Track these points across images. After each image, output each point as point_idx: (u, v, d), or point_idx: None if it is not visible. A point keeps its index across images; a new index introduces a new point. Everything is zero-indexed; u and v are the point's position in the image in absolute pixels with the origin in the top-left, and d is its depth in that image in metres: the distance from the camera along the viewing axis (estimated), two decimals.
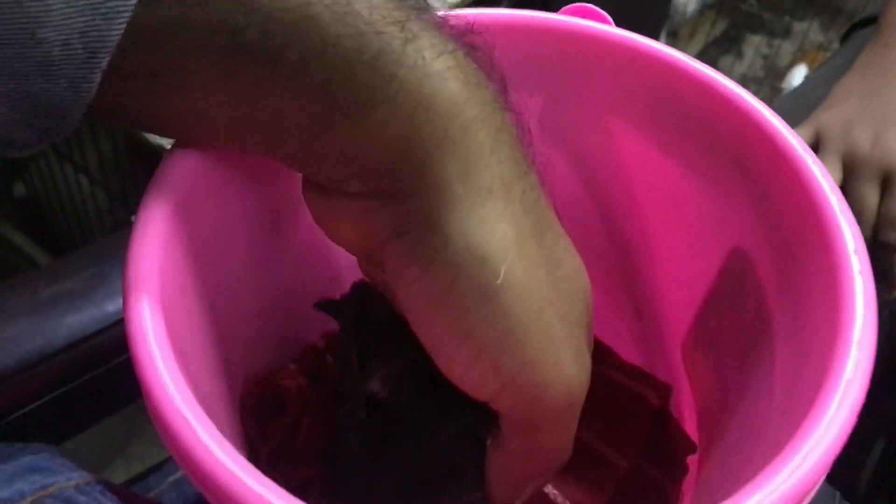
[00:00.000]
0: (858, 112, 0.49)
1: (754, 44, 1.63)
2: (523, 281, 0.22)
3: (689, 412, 0.33)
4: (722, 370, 0.29)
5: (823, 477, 0.19)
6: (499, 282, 0.21)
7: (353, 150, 0.21)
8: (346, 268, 0.36)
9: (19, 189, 1.08)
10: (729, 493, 0.23)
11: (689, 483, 0.31)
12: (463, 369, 0.22)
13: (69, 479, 0.24)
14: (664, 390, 0.33)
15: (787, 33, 1.66)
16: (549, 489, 0.33)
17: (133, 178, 0.91)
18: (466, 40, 0.22)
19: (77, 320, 0.34)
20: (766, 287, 0.27)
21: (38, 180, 1.03)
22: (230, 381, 0.28)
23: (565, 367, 0.23)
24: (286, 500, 0.17)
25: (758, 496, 0.18)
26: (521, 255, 0.22)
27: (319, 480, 0.29)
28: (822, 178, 0.24)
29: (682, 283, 0.32)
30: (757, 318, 0.27)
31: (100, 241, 0.42)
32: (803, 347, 0.23)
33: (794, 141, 0.26)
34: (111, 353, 0.35)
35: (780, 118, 0.27)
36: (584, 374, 0.24)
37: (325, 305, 0.31)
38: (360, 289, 0.31)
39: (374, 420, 0.27)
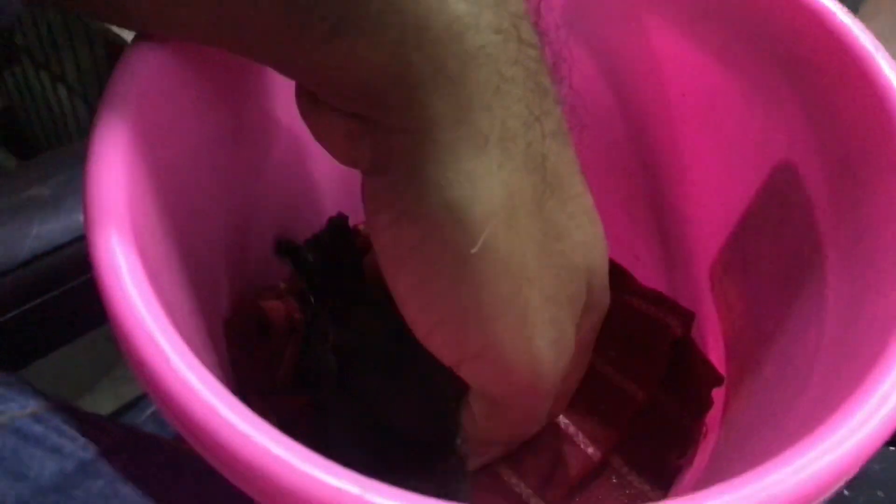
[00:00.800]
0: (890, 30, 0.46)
1: None
2: (505, 253, 0.18)
3: (714, 342, 0.30)
4: (756, 298, 0.27)
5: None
6: (474, 251, 0.18)
7: (330, 70, 0.18)
8: (334, 181, 0.33)
9: None
10: (769, 439, 0.20)
11: (713, 417, 0.29)
12: (425, 332, 0.20)
13: (24, 406, 0.21)
14: (687, 317, 0.31)
15: None
16: (560, 418, 0.31)
17: None
18: None
19: (45, 230, 0.31)
20: (817, 208, 0.24)
21: (15, 90, 0.98)
22: (213, 305, 0.25)
23: (537, 353, 0.20)
24: (269, 434, 0.15)
25: (815, 452, 0.15)
26: (510, 222, 0.18)
27: (313, 409, 0.27)
28: None
29: (714, 200, 0.29)
30: (803, 242, 0.24)
31: (72, 146, 0.38)
32: (866, 277, 0.20)
33: (864, 37, 0.22)
34: (82, 266, 0.32)
35: (846, 10, 0.23)
36: (561, 361, 0.21)
37: (286, 249, 0.28)
38: (335, 226, 0.29)
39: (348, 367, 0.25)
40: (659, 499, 0.29)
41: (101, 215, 0.17)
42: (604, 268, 0.22)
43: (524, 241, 0.19)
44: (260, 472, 0.14)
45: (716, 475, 0.24)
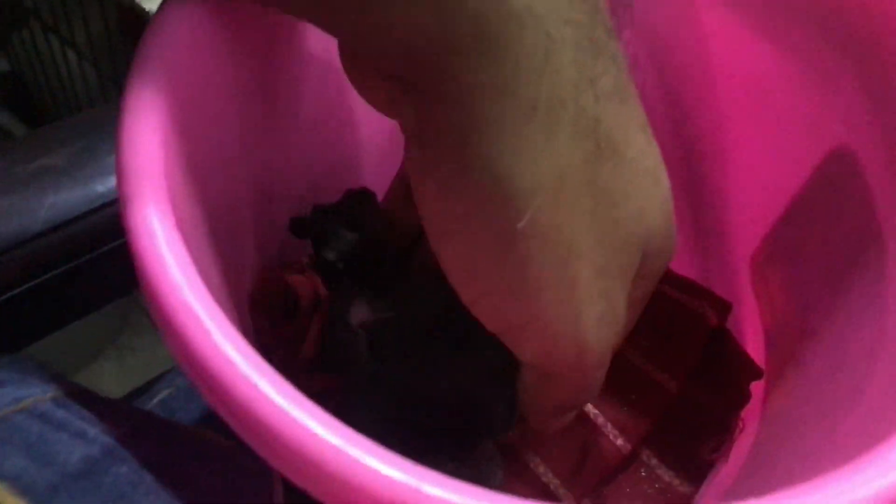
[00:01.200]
0: None
1: None
2: (552, 229, 0.18)
3: (752, 333, 0.29)
4: (802, 290, 0.26)
5: None
6: (520, 226, 0.17)
7: (368, 29, 0.17)
8: (369, 151, 0.31)
9: (2, 63, 1.01)
10: (821, 442, 0.19)
11: (750, 412, 0.28)
12: (470, 300, 0.20)
13: (45, 391, 0.20)
14: (723, 307, 0.30)
15: None
16: (590, 408, 0.30)
17: (125, 53, 0.85)
18: None
19: (60, 200, 0.30)
20: (876, 197, 0.23)
21: (22, 53, 0.96)
22: (239, 278, 0.24)
23: (584, 328, 0.19)
24: (322, 419, 0.14)
25: (881, 467, 0.14)
26: (558, 195, 0.17)
27: (339, 392, 0.26)
28: None
29: (758, 186, 0.28)
30: (858, 233, 0.23)
31: (88, 112, 0.37)
32: None
33: None
34: (99, 238, 0.31)
35: None
36: (610, 334, 0.20)
37: (297, 227, 0.27)
38: (353, 198, 0.28)
39: (380, 350, 0.24)
40: (689, 493, 0.28)
41: (137, 182, 0.16)
42: (664, 229, 0.20)
43: (573, 214, 0.18)
44: (310, 458, 0.13)
45: (758, 472, 0.23)
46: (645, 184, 0.19)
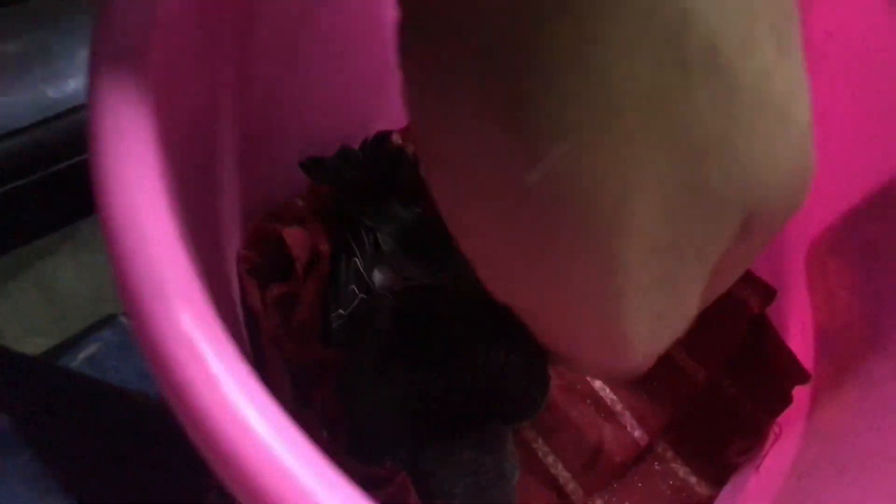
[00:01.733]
0: None
1: None
2: (585, 187, 0.12)
3: (798, 329, 0.26)
4: (873, 293, 0.22)
5: None
6: (531, 178, 0.11)
7: None
8: (368, 91, 0.27)
9: None
10: None
11: (790, 418, 0.25)
12: (470, 258, 0.14)
13: None
14: (767, 293, 0.27)
15: None
16: (608, 393, 0.27)
17: None
18: None
19: (3, 105, 0.25)
20: None
21: None
22: (222, 233, 0.20)
23: (626, 327, 0.14)
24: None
25: None
26: (602, 138, 0.11)
27: (339, 365, 0.22)
28: None
29: (834, 166, 0.24)
30: None
31: None
32: None
33: None
34: (49, 154, 0.25)
35: None
36: (665, 334, 0.15)
37: (310, 166, 0.23)
38: (377, 145, 0.23)
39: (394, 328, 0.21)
40: (707, 496, 0.26)
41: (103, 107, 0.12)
42: (792, 179, 0.14)
43: (625, 167, 0.12)
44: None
45: (813, 494, 0.20)
46: (764, 120, 0.13)
